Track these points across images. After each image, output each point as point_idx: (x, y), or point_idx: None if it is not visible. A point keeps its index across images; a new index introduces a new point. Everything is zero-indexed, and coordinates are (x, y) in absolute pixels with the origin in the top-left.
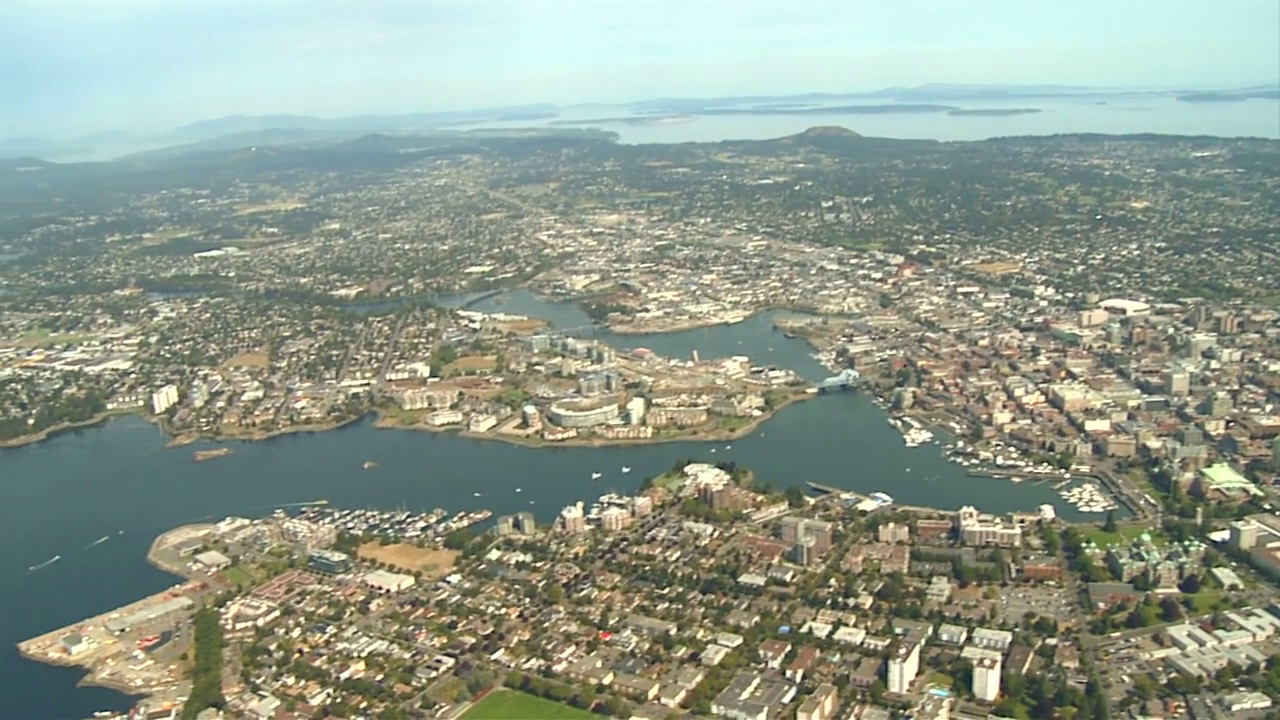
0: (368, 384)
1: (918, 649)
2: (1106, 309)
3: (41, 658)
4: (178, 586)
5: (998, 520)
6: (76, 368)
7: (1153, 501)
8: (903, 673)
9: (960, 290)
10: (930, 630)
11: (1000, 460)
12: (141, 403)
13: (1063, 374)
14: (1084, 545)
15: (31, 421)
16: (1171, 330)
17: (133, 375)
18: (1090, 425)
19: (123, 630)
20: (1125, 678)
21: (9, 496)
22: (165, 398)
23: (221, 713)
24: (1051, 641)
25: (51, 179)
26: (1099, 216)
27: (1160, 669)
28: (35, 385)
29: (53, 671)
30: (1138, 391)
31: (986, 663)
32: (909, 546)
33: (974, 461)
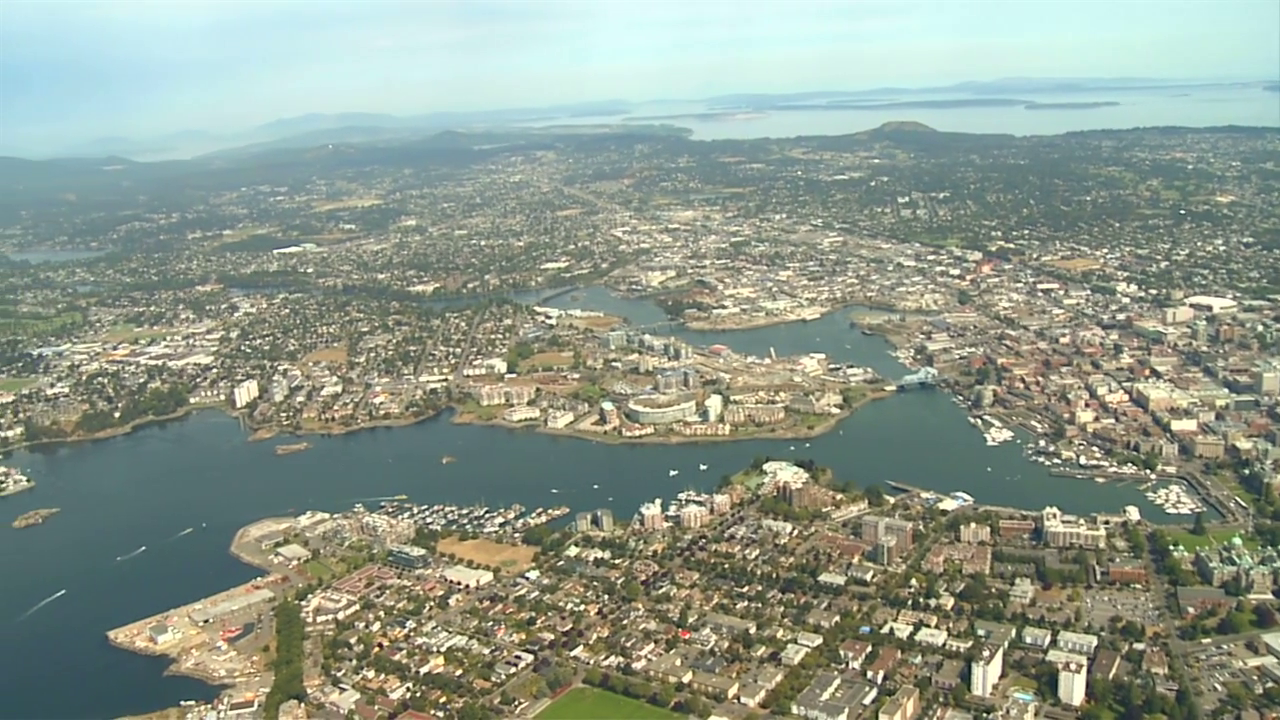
0: (445, 379)
1: (1001, 651)
2: (1192, 306)
3: (129, 646)
4: (259, 579)
5: (1082, 521)
6: (160, 362)
7: (1243, 504)
8: (986, 675)
9: (1040, 287)
10: (1013, 633)
11: (1083, 460)
12: (223, 397)
13: (1147, 372)
14: (1171, 548)
15: (118, 415)
16: (1260, 328)
17: (214, 370)
18: (1176, 425)
19: (206, 621)
20: (1217, 685)
21: (97, 488)
22: (246, 392)
23: (303, 705)
24: (1139, 646)
25: (135, 177)
26: (1182, 211)
27: (1255, 678)
28: (121, 379)
29: (140, 660)
30: (1226, 390)
31: (1072, 667)
32: (991, 547)
33: (1056, 461)
